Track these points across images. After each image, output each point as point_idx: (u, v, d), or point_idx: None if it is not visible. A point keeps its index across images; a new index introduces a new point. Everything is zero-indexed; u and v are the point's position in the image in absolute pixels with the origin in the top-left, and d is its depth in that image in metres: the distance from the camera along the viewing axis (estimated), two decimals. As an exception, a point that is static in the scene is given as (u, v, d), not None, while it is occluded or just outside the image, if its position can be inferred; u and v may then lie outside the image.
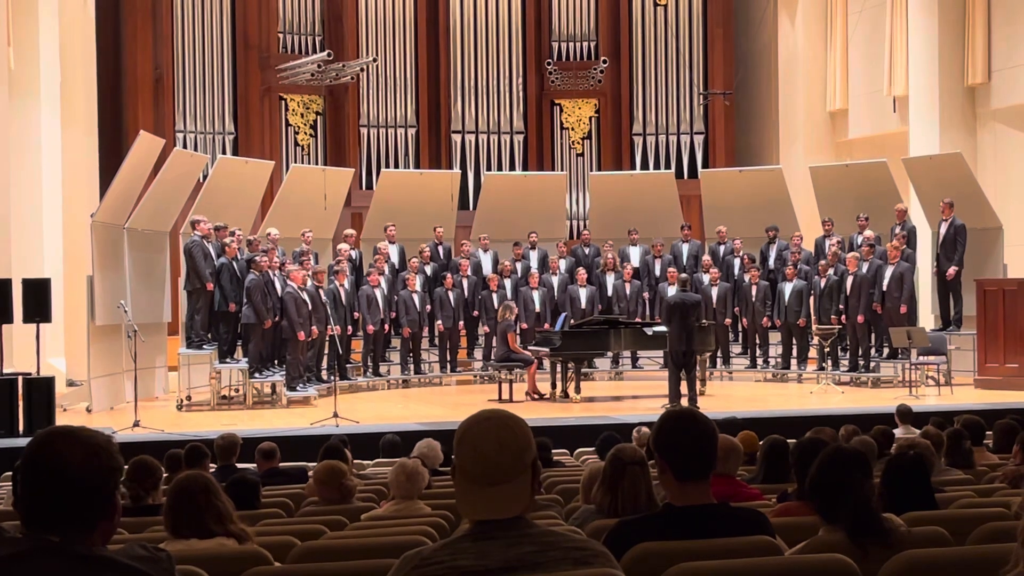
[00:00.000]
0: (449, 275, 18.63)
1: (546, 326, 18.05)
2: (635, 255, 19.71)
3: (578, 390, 16.01)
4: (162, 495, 6.43)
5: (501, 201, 20.39)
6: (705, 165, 24.34)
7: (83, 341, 15.75)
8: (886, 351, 17.59)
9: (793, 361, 18.45)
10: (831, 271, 17.54)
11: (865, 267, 17.30)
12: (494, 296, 18.43)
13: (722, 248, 19.57)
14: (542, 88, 25.37)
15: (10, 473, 9.51)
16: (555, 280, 19.09)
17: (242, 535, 4.70)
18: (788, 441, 6.85)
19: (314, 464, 8.41)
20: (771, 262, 19.12)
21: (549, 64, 25.24)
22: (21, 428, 12.65)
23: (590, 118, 25.44)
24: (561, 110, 25.45)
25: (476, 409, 2.77)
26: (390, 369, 18.61)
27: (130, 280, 15.97)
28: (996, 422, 8.58)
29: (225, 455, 8.43)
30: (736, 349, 19.42)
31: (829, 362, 17.67)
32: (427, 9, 24.77)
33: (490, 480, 2.62)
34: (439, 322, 18.48)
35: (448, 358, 18.86)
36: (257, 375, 15.88)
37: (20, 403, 12.80)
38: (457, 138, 24.86)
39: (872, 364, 17.62)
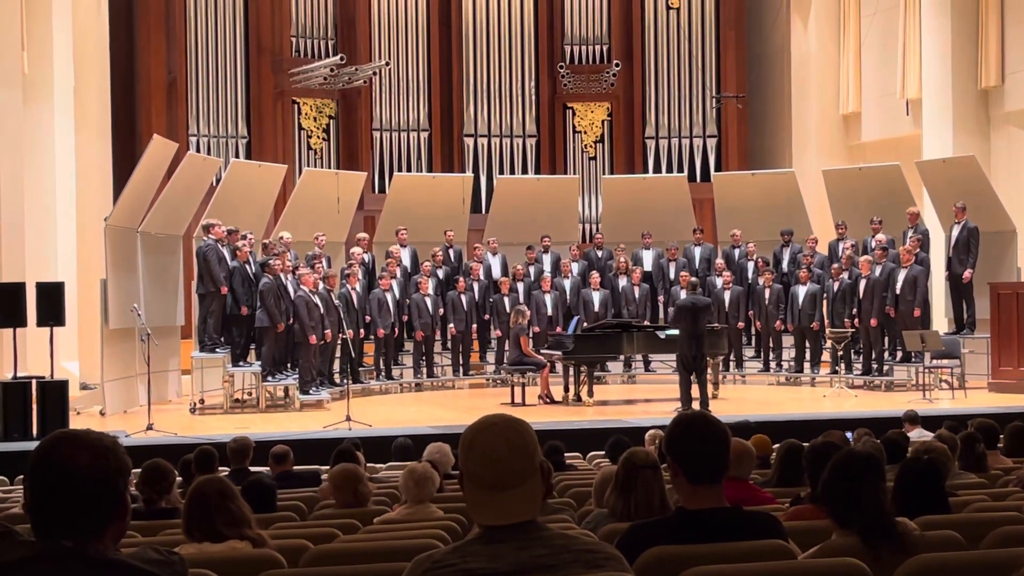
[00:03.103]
0: (461, 279, 18.63)
1: (558, 329, 18.03)
2: (648, 258, 19.69)
3: (591, 393, 15.99)
4: (177, 499, 6.44)
5: (513, 205, 20.38)
6: (718, 168, 24.32)
7: (96, 344, 15.78)
8: (899, 354, 17.54)
9: (806, 364, 18.41)
10: (844, 274, 17.52)
11: (878, 270, 17.27)
12: (505, 300, 18.43)
13: (736, 251, 19.55)
14: (554, 91, 25.38)
15: (22, 476, 9.54)
16: (567, 284, 19.08)
17: (258, 539, 4.70)
18: (804, 445, 6.83)
19: (327, 467, 8.43)
20: (784, 265, 19.09)
21: (561, 67, 25.25)
22: (35, 431, 12.68)
23: (602, 121, 25.44)
24: (573, 113, 25.46)
25: (489, 413, 2.76)
26: (403, 372, 18.62)
27: (143, 284, 16.00)
28: (1007, 425, 8.54)
29: (238, 458, 8.42)
30: (749, 352, 19.40)
31: (842, 365, 17.62)
32: (439, 13, 24.81)
33: (502, 485, 2.62)
34: (451, 326, 18.46)
35: (460, 361, 18.84)
36: (270, 378, 15.89)
37: (34, 406, 12.83)
38: (469, 141, 24.88)
39: (885, 368, 17.58)
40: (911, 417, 10.50)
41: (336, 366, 17.05)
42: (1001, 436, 8.48)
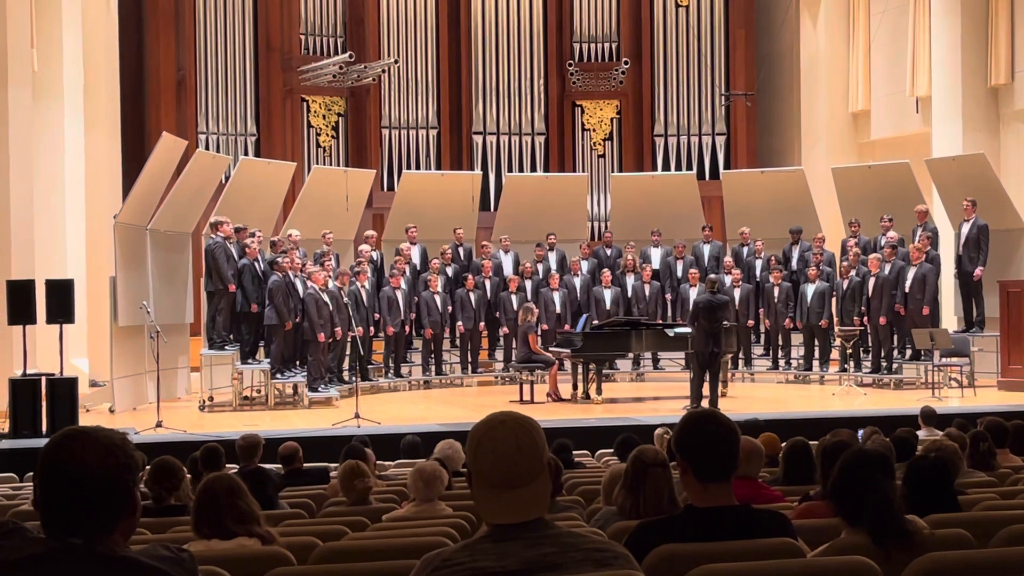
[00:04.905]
0: (471, 276, 18.62)
1: (567, 327, 18.02)
2: (656, 256, 19.66)
3: (599, 391, 15.99)
4: (186, 496, 6.45)
5: (522, 202, 20.36)
6: (727, 166, 24.29)
7: (106, 342, 15.82)
8: (908, 353, 17.52)
9: (815, 363, 18.39)
10: (853, 272, 17.49)
11: (887, 268, 17.24)
12: (514, 297, 18.42)
13: (744, 249, 19.52)
14: (563, 89, 25.35)
15: (31, 474, 9.54)
16: (576, 281, 19.06)
17: (267, 537, 4.71)
18: (810, 443, 6.82)
19: (336, 465, 8.43)
20: (794, 263, 19.06)
21: (570, 65, 25.22)
22: (45, 428, 12.71)
23: (611, 119, 25.42)
24: (582, 111, 25.43)
25: (497, 410, 2.75)
26: (411, 370, 18.61)
27: (153, 281, 16.03)
28: (1010, 423, 8.50)
29: (247, 456, 8.42)
30: (758, 350, 19.37)
31: (851, 364, 17.59)
32: (448, 10, 24.80)
33: (511, 483, 2.62)
34: (460, 323, 18.47)
35: (469, 359, 18.84)
36: (279, 376, 15.92)
37: (43, 404, 12.86)
38: (478, 139, 24.87)
39: (894, 366, 17.56)
40: (928, 414, 10.44)
41: (345, 363, 17.07)
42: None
